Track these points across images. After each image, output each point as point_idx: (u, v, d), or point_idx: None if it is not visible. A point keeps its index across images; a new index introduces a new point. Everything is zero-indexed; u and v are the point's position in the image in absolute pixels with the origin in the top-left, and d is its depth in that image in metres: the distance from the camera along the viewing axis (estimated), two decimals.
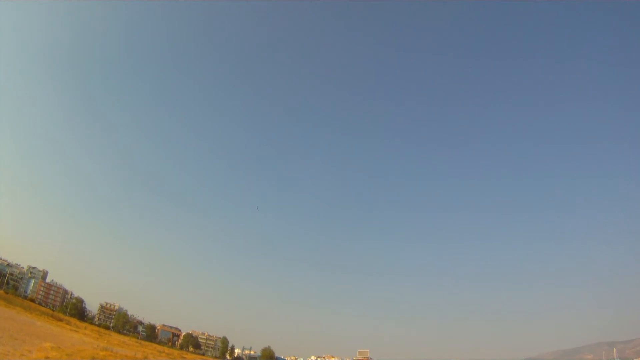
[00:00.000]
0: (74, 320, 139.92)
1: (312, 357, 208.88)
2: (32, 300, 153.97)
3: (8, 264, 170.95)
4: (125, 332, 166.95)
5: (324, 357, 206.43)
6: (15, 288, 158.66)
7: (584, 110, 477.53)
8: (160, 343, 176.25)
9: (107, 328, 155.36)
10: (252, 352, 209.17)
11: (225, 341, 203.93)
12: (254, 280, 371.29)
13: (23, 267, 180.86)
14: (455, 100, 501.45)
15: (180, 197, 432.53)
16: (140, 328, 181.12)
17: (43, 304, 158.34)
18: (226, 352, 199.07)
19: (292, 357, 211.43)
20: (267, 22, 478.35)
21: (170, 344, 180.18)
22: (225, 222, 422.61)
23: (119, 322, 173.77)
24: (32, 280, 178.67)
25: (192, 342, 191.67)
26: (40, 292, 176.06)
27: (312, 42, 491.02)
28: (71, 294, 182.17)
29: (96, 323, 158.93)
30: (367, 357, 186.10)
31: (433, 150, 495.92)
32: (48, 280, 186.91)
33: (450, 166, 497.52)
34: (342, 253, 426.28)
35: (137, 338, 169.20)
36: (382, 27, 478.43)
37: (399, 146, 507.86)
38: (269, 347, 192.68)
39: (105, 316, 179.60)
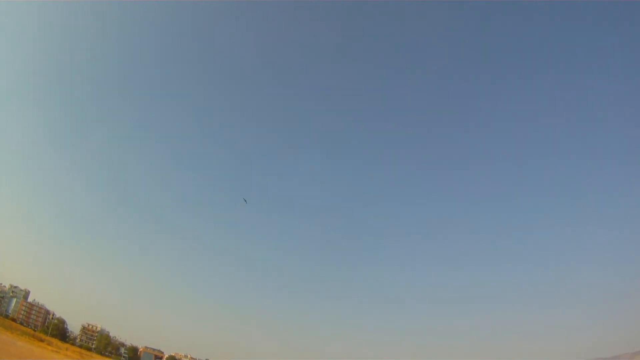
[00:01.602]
0: (55, 341, 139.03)
1: None
2: (14, 320, 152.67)
3: None
4: (107, 354, 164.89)
5: None
6: None
7: (583, 120, 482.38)
8: None
9: (89, 349, 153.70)
10: None
11: None
12: (239, 301, 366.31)
13: (5, 286, 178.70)
14: (449, 116, 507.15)
15: (164, 219, 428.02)
16: (122, 350, 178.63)
17: (24, 324, 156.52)
18: None
19: None
20: (253, 38, 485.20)
21: None
22: (208, 244, 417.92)
23: (100, 344, 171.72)
24: (14, 300, 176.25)
25: None
26: (22, 312, 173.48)
27: (297, 61, 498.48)
28: (53, 315, 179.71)
29: (78, 344, 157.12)
30: None
31: (428, 171, 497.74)
32: (30, 299, 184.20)
33: (445, 188, 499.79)
34: (328, 279, 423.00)
35: None
36: (373, 44, 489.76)
37: (391, 168, 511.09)
38: None
39: (87, 337, 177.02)
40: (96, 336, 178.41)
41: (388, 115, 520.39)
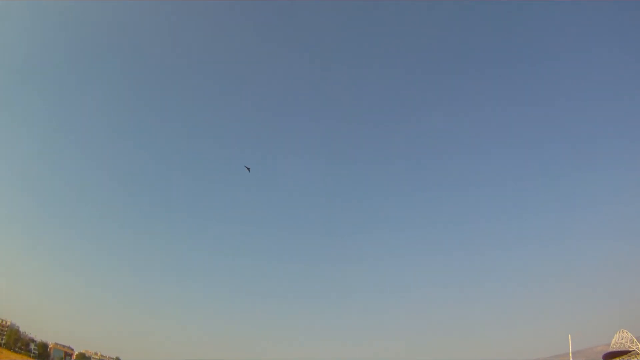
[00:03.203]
0: None
1: None
2: None
3: None
4: (17, 349, 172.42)
5: None
6: None
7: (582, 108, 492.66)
8: None
9: None
10: None
11: None
12: (153, 300, 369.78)
13: None
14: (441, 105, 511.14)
15: (75, 209, 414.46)
16: (32, 346, 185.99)
17: None
18: None
19: None
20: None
21: None
22: (130, 248, 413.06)
23: (10, 339, 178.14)
24: None
25: None
26: None
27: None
28: None
29: None
30: None
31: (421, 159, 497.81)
32: None
33: (452, 171, 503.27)
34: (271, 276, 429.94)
35: (29, 356, 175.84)
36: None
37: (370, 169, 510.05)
38: None
39: None
40: (6, 331, 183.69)
41: (364, 110, 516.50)
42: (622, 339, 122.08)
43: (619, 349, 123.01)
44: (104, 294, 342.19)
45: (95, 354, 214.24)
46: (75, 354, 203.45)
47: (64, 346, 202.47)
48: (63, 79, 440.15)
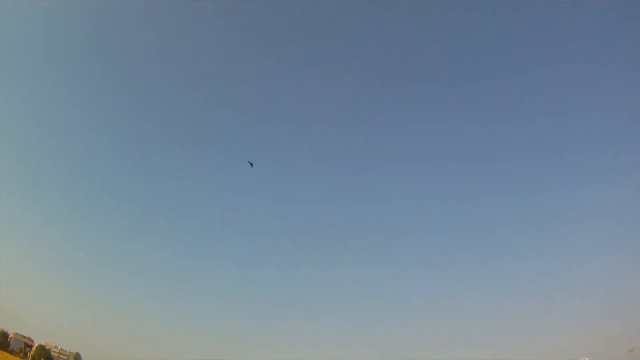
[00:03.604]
0: None
1: None
2: None
3: None
4: None
5: None
6: None
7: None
8: (12, 352, 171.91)
9: None
10: None
11: (78, 357, 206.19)
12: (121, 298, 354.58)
13: None
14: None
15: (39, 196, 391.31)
16: None
17: None
18: None
19: None
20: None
21: (22, 354, 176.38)
22: (103, 238, 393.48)
23: None
24: None
25: (45, 355, 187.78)
26: None
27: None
28: None
29: None
30: None
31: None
32: None
33: (456, 177, 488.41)
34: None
35: None
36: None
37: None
38: None
39: None
40: None
41: (365, 112, 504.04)
42: None
43: None
44: (69, 288, 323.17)
45: (56, 347, 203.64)
46: (35, 345, 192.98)
47: (24, 337, 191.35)
48: (48, 79, 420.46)
